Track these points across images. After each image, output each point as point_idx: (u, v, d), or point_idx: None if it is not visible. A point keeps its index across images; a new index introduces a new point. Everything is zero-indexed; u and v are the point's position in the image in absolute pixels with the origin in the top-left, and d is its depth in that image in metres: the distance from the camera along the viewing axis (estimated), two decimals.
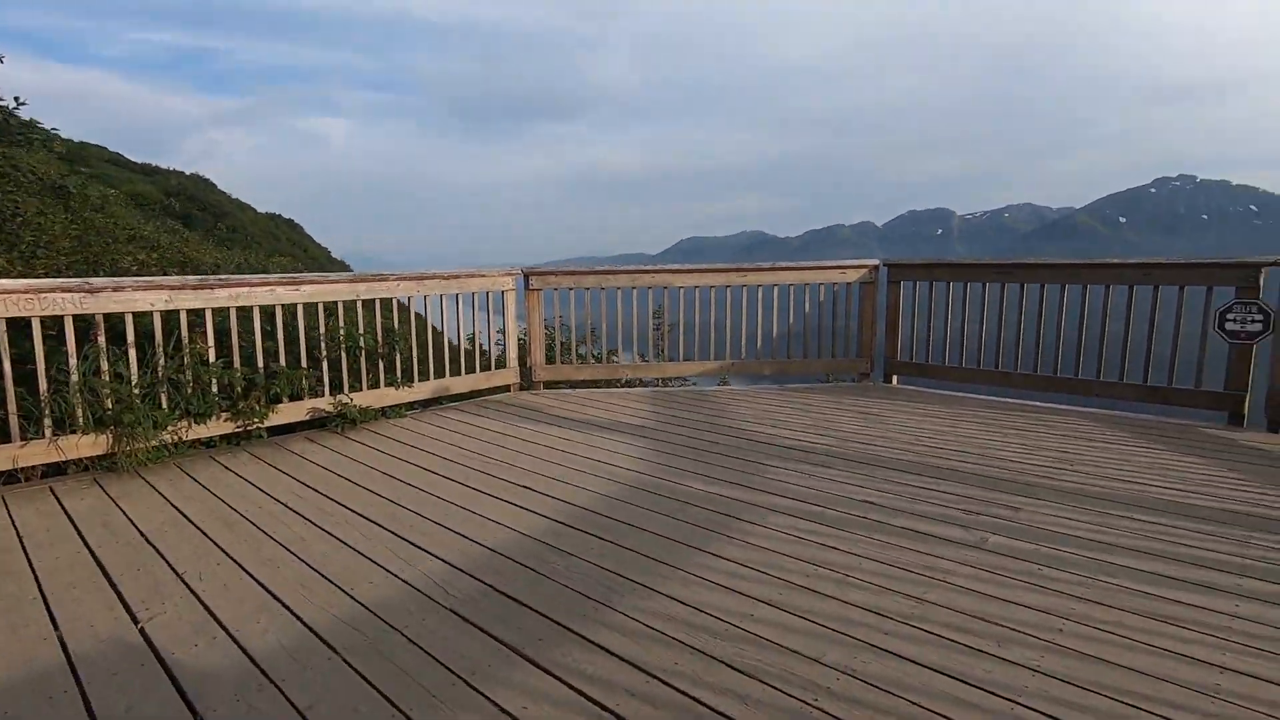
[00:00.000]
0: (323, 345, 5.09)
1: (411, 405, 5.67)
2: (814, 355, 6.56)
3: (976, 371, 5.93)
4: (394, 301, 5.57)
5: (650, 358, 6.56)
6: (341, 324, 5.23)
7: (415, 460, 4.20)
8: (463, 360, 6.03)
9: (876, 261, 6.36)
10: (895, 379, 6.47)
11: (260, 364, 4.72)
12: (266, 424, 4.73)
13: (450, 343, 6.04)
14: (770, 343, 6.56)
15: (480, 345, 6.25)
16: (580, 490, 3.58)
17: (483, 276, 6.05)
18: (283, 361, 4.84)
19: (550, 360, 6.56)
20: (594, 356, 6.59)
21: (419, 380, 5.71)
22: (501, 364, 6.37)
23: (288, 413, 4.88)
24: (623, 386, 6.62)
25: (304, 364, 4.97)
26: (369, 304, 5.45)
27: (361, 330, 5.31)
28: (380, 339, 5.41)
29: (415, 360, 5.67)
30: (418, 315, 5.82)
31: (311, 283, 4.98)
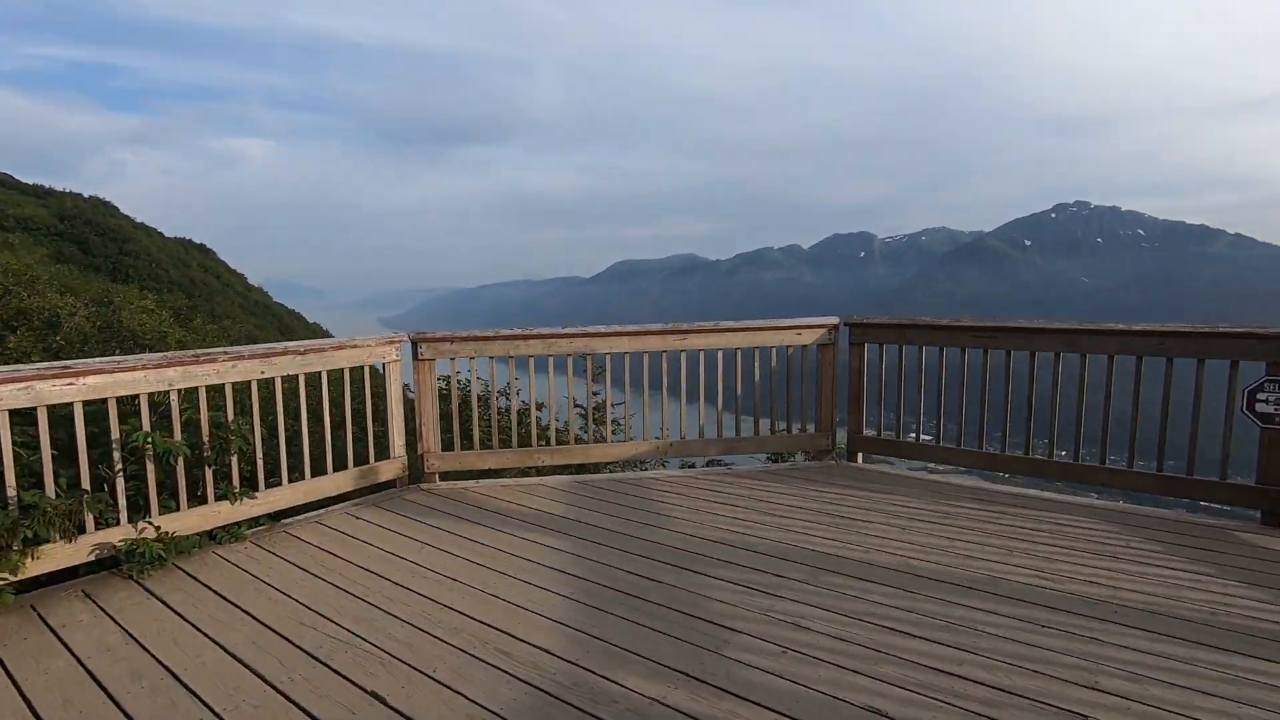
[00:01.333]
0: (116, 456, 3.71)
1: (256, 521, 4.32)
2: (766, 430, 5.53)
3: (957, 452, 5.02)
4: (226, 387, 4.23)
5: (572, 438, 5.39)
6: (147, 423, 3.85)
7: (219, 634, 2.89)
8: (330, 456, 4.72)
9: (836, 320, 5.41)
10: (860, 457, 5.50)
11: (10, 493, 3.32)
12: (22, 576, 3.33)
13: (316, 432, 4.73)
14: (715, 417, 5.52)
15: (355, 433, 4.95)
16: (442, 709, 2.35)
17: (355, 347, 4.77)
18: (50, 486, 3.44)
19: (448, 446, 5.30)
20: (502, 440, 5.38)
21: (267, 487, 4.37)
22: (384, 454, 5.07)
23: (58, 556, 3.48)
24: (539, 475, 5.41)
25: (87, 484, 3.58)
26: (192, 391, 4.10)
27: (180, 425, 3.95)
28: (208, 437, 4.06)
29: (261, 461, 4.34)
30: (273, 396, 4.50)
31: (96, 372, 3.61)
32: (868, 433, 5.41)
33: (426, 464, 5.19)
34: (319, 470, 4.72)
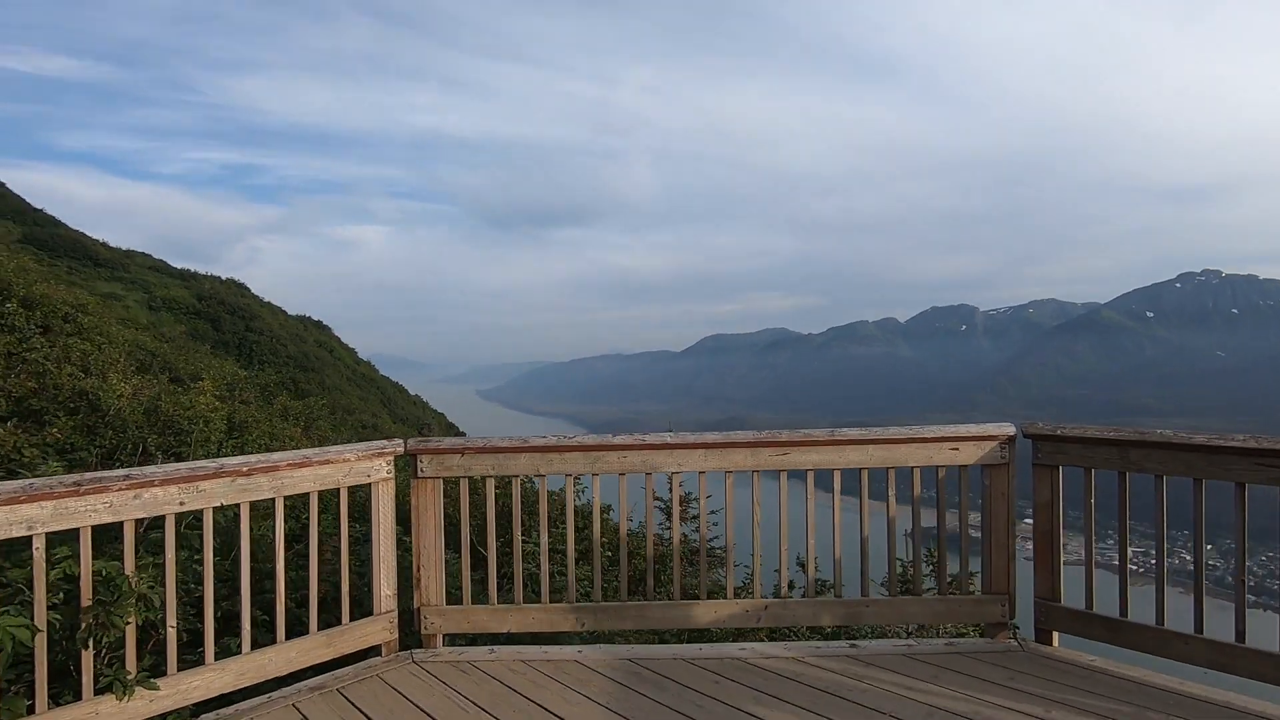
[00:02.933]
0: None
1: None
2: (905, 589, 3.80)
3: (1230, 648, 3.10)
4: (125, 527, 2.96)
5: (625, 594, 3.82)
6: None
7: None
8: (282, 617, 3.35)
9: (1011, 430, 3.69)
10: (1057, 638, 3.62)
11: None
12: None
13: (264, 584, 3.42)
14: (831, 566, 3.84)
15: (324, 583, 3.59)
16: None
17: (327, 463, 3.46)
18: None
19: (455, 598, 3.84)
20: (529, 591, 3.90)
21: (181, 669, 3.04)
22: (364, 609, 3.68)
23: None
24: (578, 645, 3.84)
25: None
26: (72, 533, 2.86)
27: (47, 585, 2.71)
28: (89, 602, 2.80)
29: (174, 631, 3.03)
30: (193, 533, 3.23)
31: None
32: (1070, 604, 3.56)
33: (424, 622, 3.74)
34: (265, 638, 3.36)
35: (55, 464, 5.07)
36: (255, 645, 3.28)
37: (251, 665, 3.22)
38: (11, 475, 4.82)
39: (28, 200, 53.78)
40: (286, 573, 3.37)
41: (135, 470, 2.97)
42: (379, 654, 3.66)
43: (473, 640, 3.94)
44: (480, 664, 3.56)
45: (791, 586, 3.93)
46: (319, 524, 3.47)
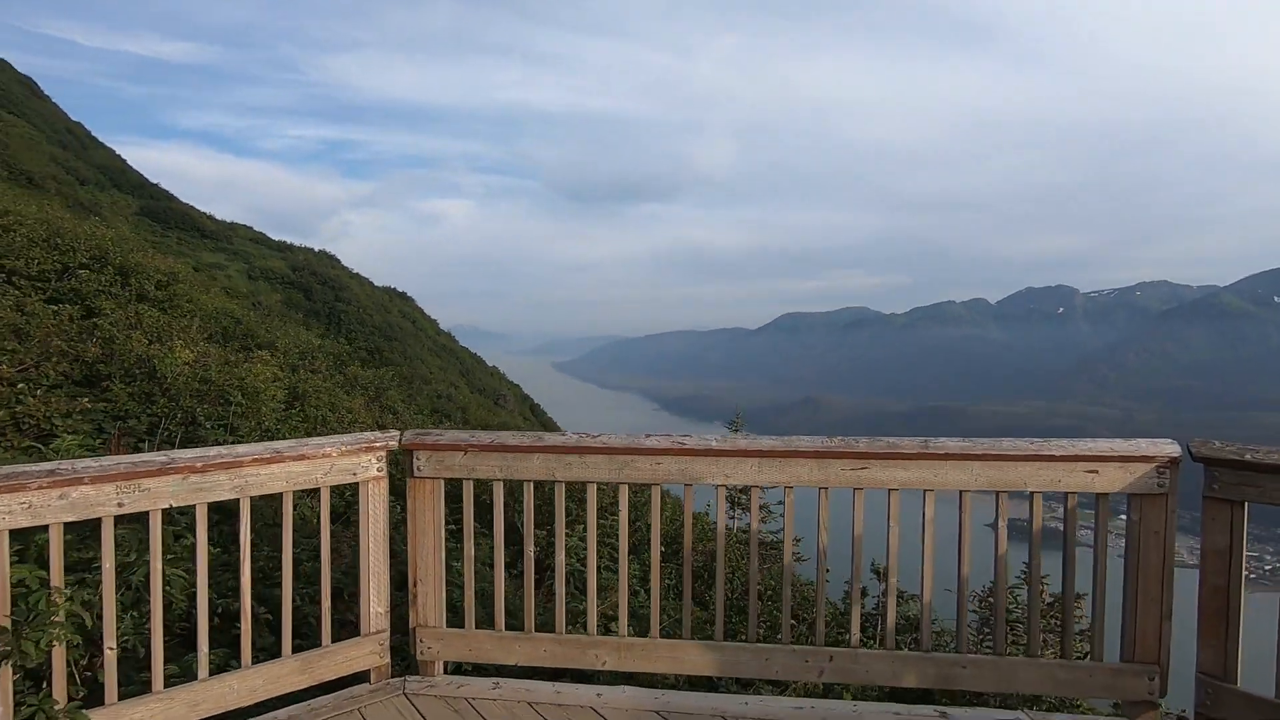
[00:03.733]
0: None
1: None
2: (1016, 649, 2.96)
3: None
4: (52, 531, 2.48)
5: (656, 629, 3.12)
6: None
7: None
8: (247, 638, 2.84)
9: (1174, 450, 2.75)
10: None
11: None
12: None
13: (227, 599, 2.92)
14: (919, 607, 3.03)
15: (300, 598, 3.08)
16: None
17: (303, 458, 2.90)
18: None
19: (456, 620, 3.25)
20: (540, 619, 3.27)
21: (122, 698, 2.57)
22: (349, 629, 3.14)
23: None
24: (599, 687, 3.19)
25: None
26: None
27: None
28: (2, 620, 2.33)
29: (112, 653, 2.55)
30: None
31: None
32: (1251, 688, 2.63)
33: (420, 646, 3.17)
34: (227, 661, 2.87)
35: (71, 438, 4.77)
36: (216, 671, 2.79)
37: (209, 694, 2.72)
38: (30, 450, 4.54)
39: (145, 176, 57.56)
40: (255, 586, 2.86)
41: (64, 464, 2.47)
42: (367, 680, 3.11)
43: (478, 669, 3.35)
44: (479, 702, 2.96)
45: (867, 635, 3.14)
46: (294, 528, 2.93)
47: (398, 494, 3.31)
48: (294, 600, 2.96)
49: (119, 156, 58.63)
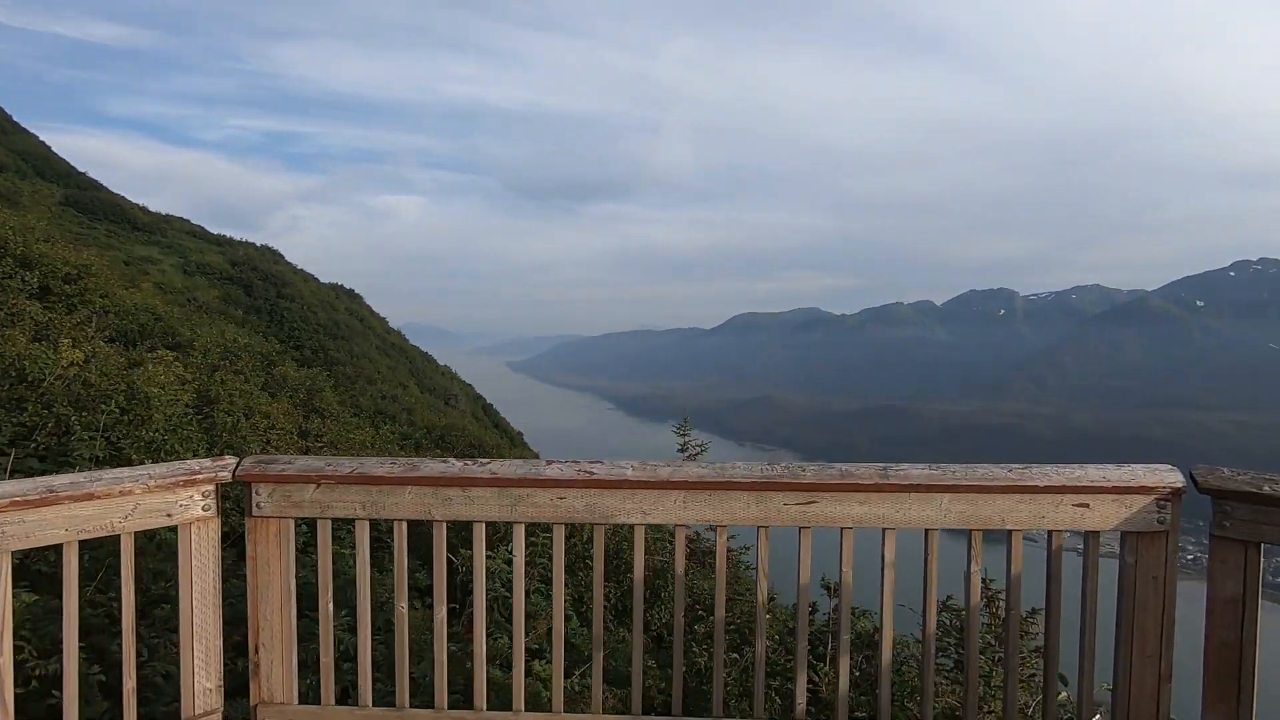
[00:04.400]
0: None
1: None
2: (989, 717, 2.46)
3: None
4: None
5: (560, 703, 2.52)
6: None
7: None
8: None
9: (1177, 479, 2.29)
10: None
11: None
12: None
13: None
14: (877, 667, 2.51)
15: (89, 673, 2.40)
16: None
17: (91, 498, 2.22)
18: None
19: (309, 696, 2.60)
20: (416, 692, 2.65)
21: None
22: (165, 710, 2.47)
23: None
24: None
25: None
26: None
27: None
28: None
29: None
30: None
31: None
32: None
33: None
34: None
35: None
36: None
37: None
38: None
39: (72, 164, 54.33)
40: (19, 669, 2.17)
41: None
42: None
43: None
44: None
45: (817, 704, 2.61)
46: (81, 584, 2.25)
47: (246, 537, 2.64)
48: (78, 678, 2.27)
49: (42, 143, 55.16)
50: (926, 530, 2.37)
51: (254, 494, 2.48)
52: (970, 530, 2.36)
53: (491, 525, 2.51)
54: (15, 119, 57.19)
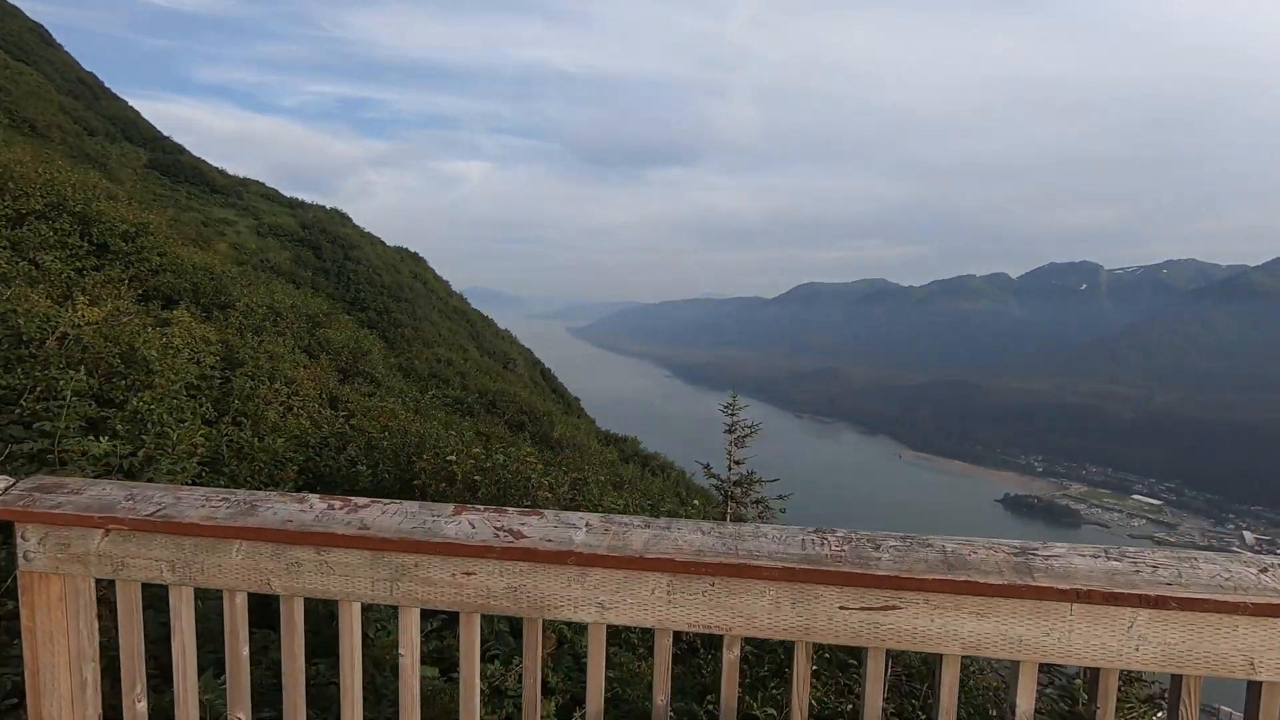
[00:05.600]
0: None
1: None
2: None
3: None
4: None
5: None
6: None
7: None
8: None
9: None
10: None
11: None
12: None
13: None
14: None
15: None
16: None
17: None
18: None
19: None
20: None
21: None
22: None
23: None
24: None
25: None
26: None
27: None
28: None
29: None
30: None
31: None
32: None
33: None
34: None
35: None
36: None
37: None
38: None
39: (158, 129, 56.30)
40: None
41: None
42: None
43: None
44: None
45: None
46: None
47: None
48: None
49: (132, 108, 57.17)
50: (1096, 671, 1.33)
51: (21, 539, 1.62)
52: (1182, 677, 1.31)
53: (367, 606, 1.59)
54: (107, 85, 59.42)
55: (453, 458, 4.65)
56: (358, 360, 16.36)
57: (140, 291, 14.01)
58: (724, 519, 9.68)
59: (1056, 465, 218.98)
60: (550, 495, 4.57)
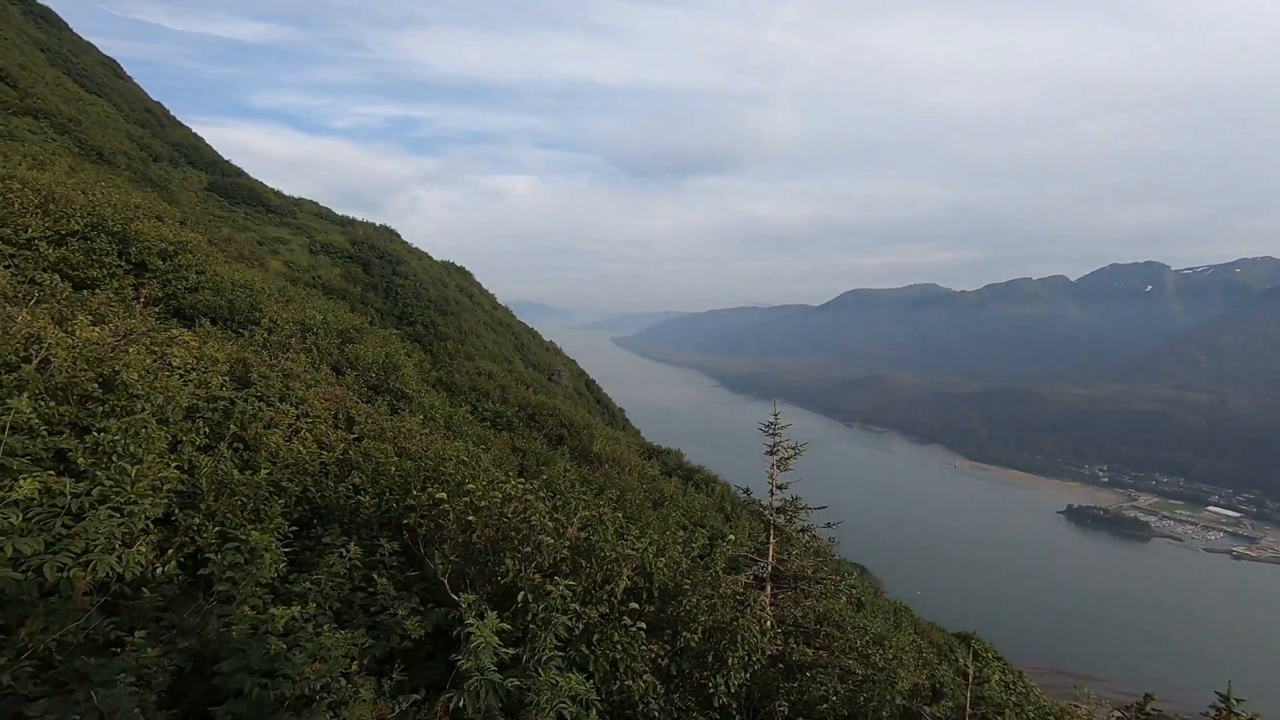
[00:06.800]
0: None
1: None
2: None
3: None
4: None
5: None
6: None
7: None
8: None
9: None
10: None
11: None
12: None
13: None
14: None
15: None
16: None
17: None
18: None
19: None
20: None
21: None
22: None
23: None
24: None
25: None
26: None
27: None
28: None
29: None
30: None
31: None
32: None
33: None
34: None
35: None
36: None
37: None
38: None
39: (219, 153, 58.63)
40: None
41: None
42: None
43: None
44: None
45: None
46: None
47: None
48: None
49: (195, 134, 59.64)
50: None
51: None
52: None
53: None
54: (173, 113, 62.04)
55: (443, 495, 4.14)
56: (388, 376, 16.11)
57: (173, 309, 13.92)
58: (766, 549, 8.98)
59: (1123, 475, 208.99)
60: (553, 541, 4.02)
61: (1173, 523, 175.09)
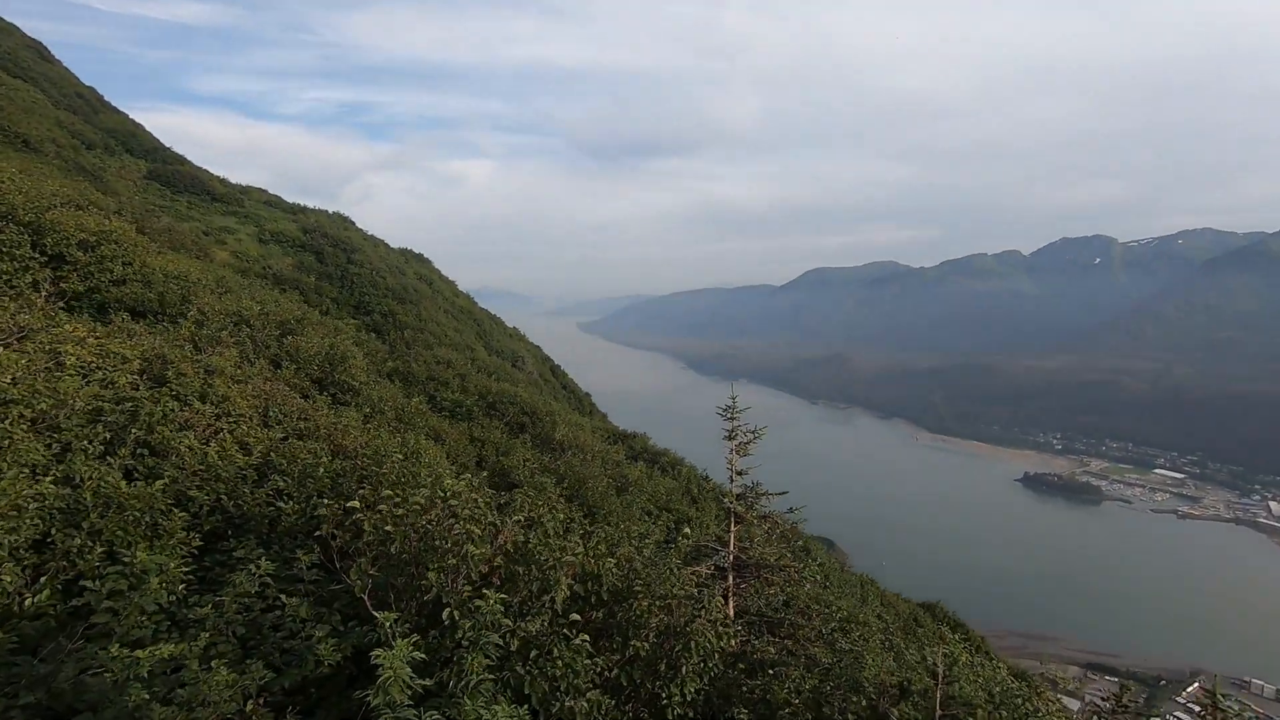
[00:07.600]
0: None
1: None
2: None
3: None
4: None
5: None
6: None
7: None
8: None
9: None
10: None
11: None
12: None
13: None
14: None
15: None
16: None
17: None
18: None
19: None
20: None
21: None
22: None
23: None
24: None
25: None
26: None
27: None
28: None
29: None
30: None
31: None
32: None
33: None
34: None
35: None
36: None
37: None
38: None
39: (160, 140, 55.86)
40: None
41: None
42: None
43: None
44: None
45: None
46: None
47: None
48: None
49: (132, 121, 56.71)
50: None
51: None
52: None
53: None
54: (107, 99, 58.87)
55: (355, 504, 3.68)
56: (334, 368, 15.35)
57: (96, 303, 13.03)
58: (728, 538, 8.71)
59: (1075, 442, 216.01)
60: (480, 551, 3.60)
61: (1122, 486, 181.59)
